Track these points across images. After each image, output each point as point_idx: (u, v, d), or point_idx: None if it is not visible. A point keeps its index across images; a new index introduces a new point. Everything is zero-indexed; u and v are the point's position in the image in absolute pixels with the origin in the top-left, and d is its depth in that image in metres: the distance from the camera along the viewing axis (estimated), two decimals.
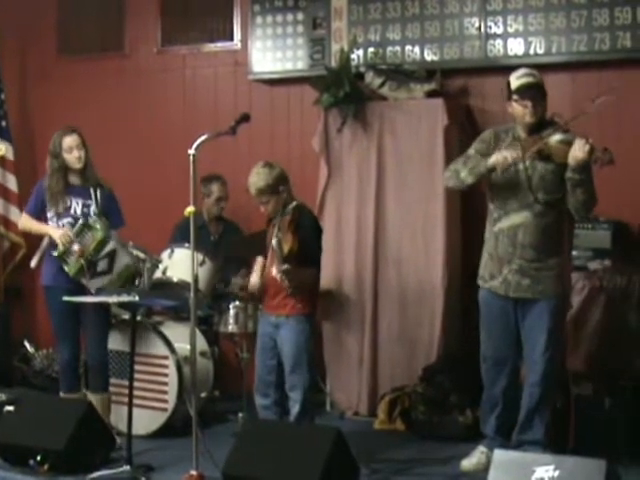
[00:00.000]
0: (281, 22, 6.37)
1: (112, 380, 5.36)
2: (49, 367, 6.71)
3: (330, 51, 6.20)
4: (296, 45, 6.33)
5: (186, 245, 5.33)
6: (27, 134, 7.33)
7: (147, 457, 4.92)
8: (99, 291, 4.98)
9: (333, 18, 6.20)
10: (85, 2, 7.17)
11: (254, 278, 4.88)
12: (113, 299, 4.78)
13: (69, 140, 5.15)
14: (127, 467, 4.61)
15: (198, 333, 5.35)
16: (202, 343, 5.68)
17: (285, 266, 4.53)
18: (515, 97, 4.49)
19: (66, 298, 4.91)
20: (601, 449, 4.39)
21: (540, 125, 4.49)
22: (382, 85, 5.94)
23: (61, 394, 5.30)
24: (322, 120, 6.04)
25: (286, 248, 4.55)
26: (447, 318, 5.73)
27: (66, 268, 5.05)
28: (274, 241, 4.58)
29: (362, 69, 6.07)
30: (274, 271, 4.64)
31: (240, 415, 5.58)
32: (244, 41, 6.59)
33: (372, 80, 5.98)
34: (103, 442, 4.86)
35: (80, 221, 5.07)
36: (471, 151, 4.67)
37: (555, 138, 4.37)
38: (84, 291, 5.04)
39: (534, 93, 4.45)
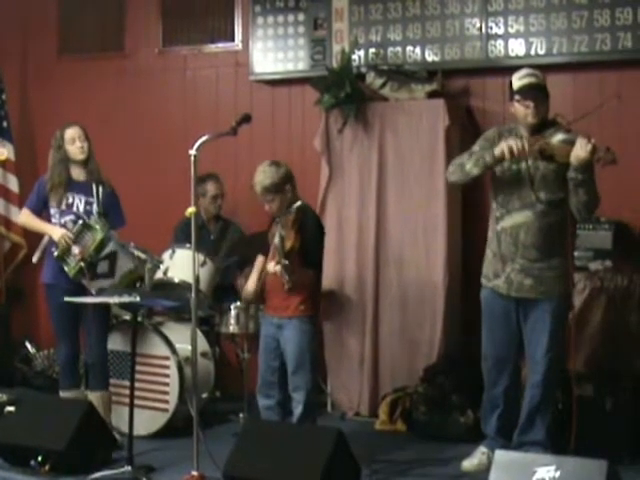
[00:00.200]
0: (282, 23, 6.37)
1: (113, 380, 5.36)
2: (50, 368, 6.71)
3: (331, 52, 6.20)
4: (297, 46, 6.33)
5: (187, 246, 5.33)
6: (28, 134, 7.33)
7: (148, 457, 4.92)
8: (100, 291, 4.98)
9: (334, 19, 6.20)
10: (86, 2, 7.17)
11: (250, 285, 4.87)
12: (114, 300, 4.78)
13: (71, 131, 5.16)
14: (128, 467, 4.61)
15: (199, 334, 5.36)
16: (203, 344, 5.69)
17: (285, 261, 4.52)
18: (517, 97, 4.48)
19: (67, 299, 4.91)
20: (602, 450, 4.38)
21: (542, 125, 4.49)
22: (383, 86, 5.94)
23: (60, 393, 5.30)
24: (323, 121, 6.04)
25: (288, 245, 4.54)
26: (448, 318, 5.73)
27: (66, 268, 5.05)
28: (276, 237, 4.57)
29: (363, 70, 6.07)
30: (273, 265, 4.63)
31: (241, 415, 5.59)
32: (245, 42, 6.59)
33: (373, 81, 5.98)
34: (104, 442, 4.87)
35: (80, 221, 5.07)
36: (475, 148, 4.65)
37: (557, 138, 4.37)
38: (85, 290, 5.04)
39: (536, 93, 4.45)
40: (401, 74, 5.94)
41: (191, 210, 4.40)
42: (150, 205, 6.74)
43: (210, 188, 6.14)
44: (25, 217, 5.33)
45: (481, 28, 5.83)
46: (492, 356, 4.69)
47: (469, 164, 4.53)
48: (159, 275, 5.43)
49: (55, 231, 5.10)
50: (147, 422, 5.39)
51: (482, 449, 4.75)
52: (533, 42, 5.70)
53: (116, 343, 5.44)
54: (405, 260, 5.84)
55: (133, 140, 6.99)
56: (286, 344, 4.73)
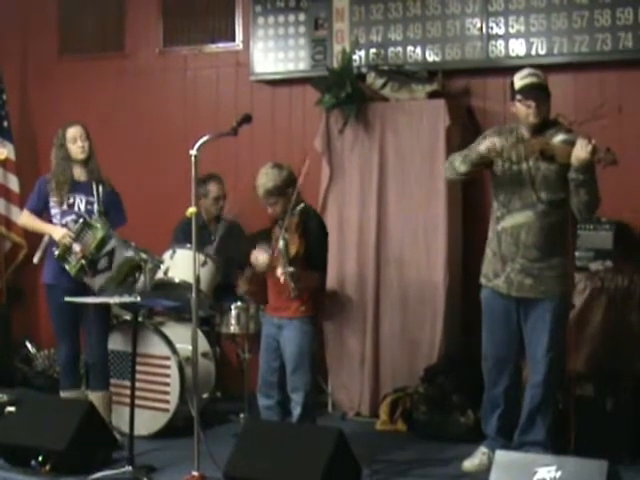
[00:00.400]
0: (283, 23, 6.37)
1: (114, 380, 5.37)
2: (50, 368, 6.71)
3: (332, 52, 6.20)
4: (298, 46, 6.33)
5: (188, 246, 5.33)
6: (28, 134, 7.33)
7: (149, 457, 4.92)
8: (101, 291, 4.99)
9: (335, 19, 6.20)
10: (86, 2, 7.17)
11: (262, 256, 4.71)
12: (115, 300, 4.78)
13: (73, 130, 5.18)
14: (129, 467, 4.61)
15: (200, 334, 5.35)
16: (204, 344, 5.69)
17: (291, 269, 4.52)
18: (519, 97, 4.48)
19: (68, 299, 4.91)
20: (603, 450, 4.39)
21: (544, 125, 4.49)
22: (384, 86, 5.94)
23: (61, 393, 5.30)
24: (324, 121, 6.04)
25: (292, 250, 4.54)
26: (449, 318, 5.73)
27: (67, 267, 5.06)
28: (281, 242, 4.55)
29: (364, 70, 6.07)
30: (279, 272, 4.61)
31: (241, 416, 5.59)
32: (246, 42, 6.59)
33: (374, 81, 5.98)
34: (104, 442, 4.87)
35: (80, 220, 5.08)
36: (473, 146, 4.68)
37: (558, 138, 4.37)
38: (86, 290, 5.05)
39: (538, 93, 4.45)
40: (402, 74, 5.94)
41: (192, 210, 4.40)
42: (150, 205, 6.74)
43: (212, 189, 6.14)
44: (26, 218, 5.33)
45: (482, 28, 5.83)
46: (492, 356, 4.69)
47: (457, 161, 4.60)
48: (160, 275, 5.43)
49: (56, 231, 5.10)
50: (148, 422, 5.39)
51: (483, 449, 4.75)
52: (534, 42, 5.69)
53: (117, 343, 5.44)
54: (405, 260, 5.84)
55: (133, 140, 6.99)
56: (286, 344, 4.73)
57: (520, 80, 4.49)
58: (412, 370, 5.72)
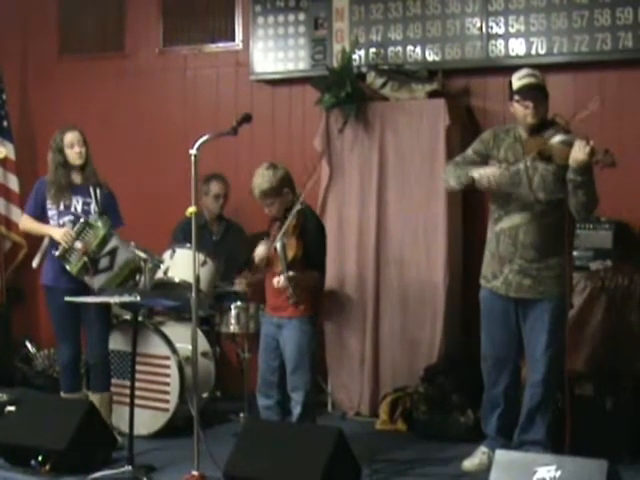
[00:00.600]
0: (283, 22, 6.37)
1: (114, 380, 5.36)
2: (50, 367, 6.71)
3: (332, 51, 6.20)
4: (298, 45, 6.33)
5: (187, 245, 5.33)
6: (28, 134, 7.33)
7: (148, 457, 4.92)
8: (101, 291, 4.99)
9: (335, 18, 6.20)
10: (86, 2, 7.17)
11: (261, 249, 4.71)
12: (115, 299, 4.78)
13: (70, 136, 5.17)
14: (128, 467, 4.61)
15: (199, 333, 5.35)
16: (203, 343, 5.69)
17: (290, 273, 4.52)
18: (517, 97, 4.48)
19: (68, 299, 4.92)
20: (602, 449, 4.39)
21: (542, 126, 4.49)
22: (384, 85, 5.94)
23: (62, 394, 5.30)
24: (323, 120, 6.04)
25: (290, 254, 4.54)
26: (448, 318, 5.73)
27: (68, 267, 5.05)
28: (278, 245, 4.55)
29: (364, 69, 6.07)
30: (275, 280, 4.61)
31: (241, 415, 5.59)
32: (246, 41, 6.59)
33: (374, 80, 5.98)
34: (104, 442, 4.87)
35: (81, 220, 5.08)
36: (469, 151, 4.69)
37: (556, 139, 4.37)
38: (85, 291, 5.04)
39: (536, 94, 4.45)
40: (401, 74, 5.94)
41: (191, 210, 4.40)
42: (150, 205, 6.74)
43: (213, 187, 6.16)
44: (26, 223, 5.33)
45: (481, 28, 5.83)
46: (492, 356, 4.69)
47: (452, 177, 4.62)
48: (159, 275, 5.43)
49: (56, 231, 5.10)
50: (148, 422, 5.39)
51: (482, 449, 4.75)
52: (533, 42, 5.69)
53: (117, 343, 5.44)
54: (405, 260, 5.84)
55: (133, 140, 6.99)
56: (285, 344, 4.73)
57: (518, 80, 4.49)
58: (412, 370, 5.72)
